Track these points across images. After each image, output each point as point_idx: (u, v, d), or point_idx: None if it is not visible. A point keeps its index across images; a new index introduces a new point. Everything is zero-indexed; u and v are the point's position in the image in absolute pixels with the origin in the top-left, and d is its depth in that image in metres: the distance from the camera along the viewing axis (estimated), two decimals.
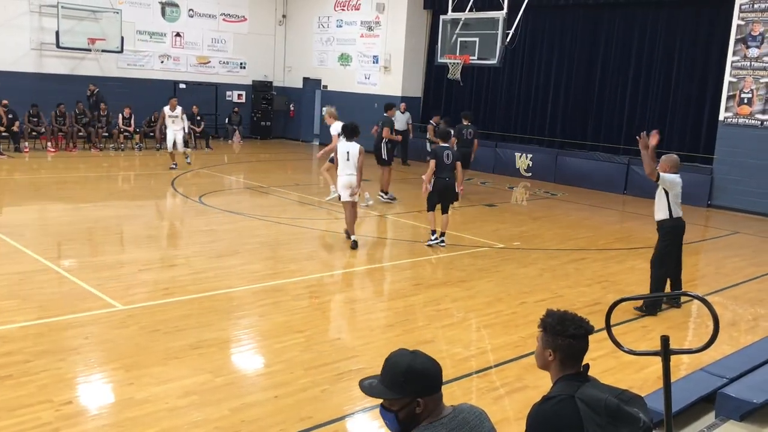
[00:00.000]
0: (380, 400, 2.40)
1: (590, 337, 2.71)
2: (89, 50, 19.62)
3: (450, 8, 16.07)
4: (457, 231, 10.73)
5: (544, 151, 18.14)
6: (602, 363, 5.65)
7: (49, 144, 18.05)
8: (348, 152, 9.54)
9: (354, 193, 9.60)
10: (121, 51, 20.25)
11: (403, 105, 19.59)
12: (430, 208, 9.87)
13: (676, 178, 7.35)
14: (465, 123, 14.68)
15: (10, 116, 17.33)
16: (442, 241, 9.84)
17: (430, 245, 9.79)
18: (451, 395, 4.87)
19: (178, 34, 22.05)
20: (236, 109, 23.02)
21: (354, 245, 9.58)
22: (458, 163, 9.79)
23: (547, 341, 2.68)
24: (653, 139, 7.09)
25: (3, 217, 10.57)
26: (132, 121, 19.01)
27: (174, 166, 15.84)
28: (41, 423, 4.42)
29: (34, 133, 17.93)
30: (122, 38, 20.11)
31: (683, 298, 7.75)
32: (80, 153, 18.04)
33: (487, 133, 19.06)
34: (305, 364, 5.57)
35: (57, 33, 18.93)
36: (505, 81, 19.52)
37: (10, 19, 18.75)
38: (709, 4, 15.58)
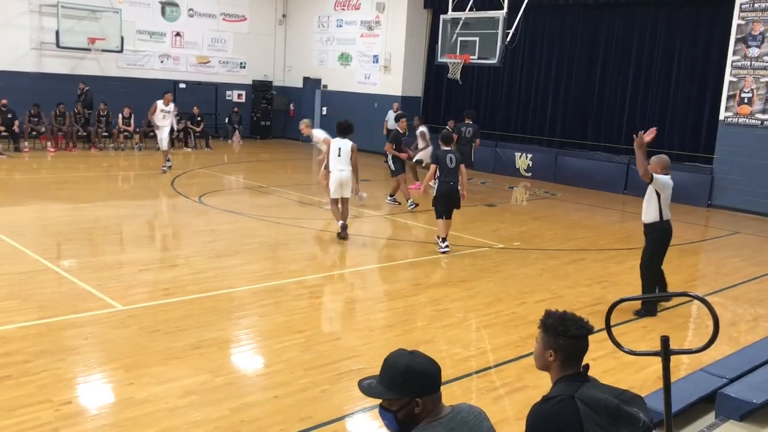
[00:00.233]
0: (379, 400, 2.41)
1: (590, 338, 2.71)
2: (89, 50, 19.62)
3: (450, 8, 16.07)
4: (456, 231, 10.72)
5: (544, 151, 18.14)
6: (602, 363, 5.65)
7: (49, 144, 18.05)
8: (340, 148, 9.82)
9: (354, 190, 10.05)
10: (121, 51, 20.25)
11: (395, 104, 19.65)
12: (439, 215, 9.49)
13: (667, 179, 7.27)
14: (466, 121, 14.73)
15: (9, 116, 17.33)
16: (446, 246, 9.52)
17: (443, 252, 9.44)
18: (451, 395, 4.87)
19: (178, 34, 22.04)
20: (236, 109, 23.01)
21: (344, 230, 9.93)
22: (462, 166, 9.55)
23: (548, 342, 2.67)
24: (649, 135, 6.98)
25: (3, 217, 10.57)
26: (132, 121, 19.00)
27: (166, 168, 15.28)
28: (41, 423, 4.42)
29: (34, 133, 17.93)
30: (122, 38, 20.11)
31: (682, 299, 7.75)
32: (80, 153, 18.04)
33: (487, 132, 19.05)
34: (305, 364, 5.57)
35: (57, 33, 18.94)
36: (505, 81, 19.52)
37: (10, 18, 18.75)
38: (709, 4, 15.58)
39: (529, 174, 18.07)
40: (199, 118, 20.58)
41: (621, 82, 17.21)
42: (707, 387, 4.83)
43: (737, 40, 14.46)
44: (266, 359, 5.83)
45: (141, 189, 14.00)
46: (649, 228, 7.45)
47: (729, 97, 14.67)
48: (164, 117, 15.27)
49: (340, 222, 9.99)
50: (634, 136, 7.09)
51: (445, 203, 9.42)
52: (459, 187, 9.52)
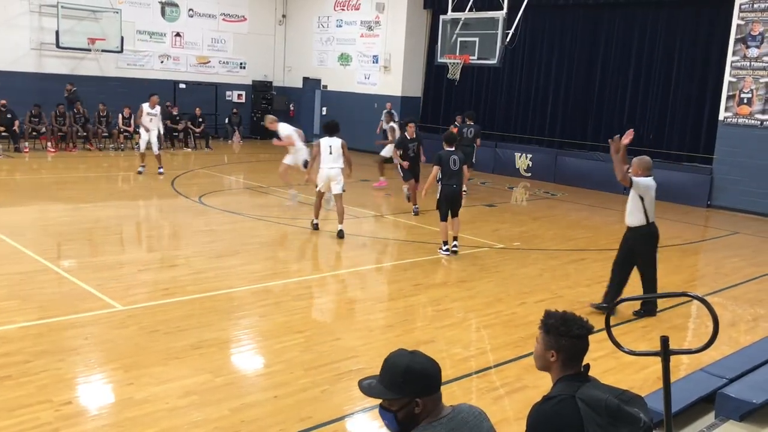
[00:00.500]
0: (380, 400, 2.41)
1: (590, 338, 2.71)
2: (89, 50, 19.62)
3: (450, 8, 16.07)
4: None
5: (544, 151, 18.15)
6: (602, 363, 5.65)
7: (49, 144, 18.05)
8: (330, 146, 10.09)
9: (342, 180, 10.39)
10: (121, 51, 20.25)
11: (388, 104, 19.71)
12: (443, 217, 9.34)
13: (650, 181, 7.04)
14: (467, 122, 14.75)
15: (9, 116, 17.33)
16: (455, 246, 9.38)
17: (441, 254, 9.36)
18: (451, 395, 4.87)
19: (177, 34, 22.05)
20: (235, 110, 23.03)
21: (316, 227, 10.41)
22: (465, 167, 9.42)
23: (550, 342, 2.67)
24: (626, 138, 6.88)
25: (3, 217, 10.56)
26: (132, 122, 18.99)
27: (142, 169, 14.92)
28: (41, 423, 4.42)
29: (34, 133, 17.94)
30: (122, 38, 20.12)
31: (682, 299, 7.74)
32: (80, 153, 18.04)
33: (487, 133, 19.04)
34: (305, 364, 5.58)
35: (57, 33, 18.94)
36: (505, 81, 19.52)
37: (10, 18, 18.76)
38: (709, 4, 15.58)
39: (529, 174, 18.07)
40: (200, 119, 20.58)
41: (621, 82, 17.21)
42: (707, 387, 4.83)
43: (737, 41, 14.46)
44: (266, 359, 5.83)
45: (141, 189, 14.00)
46: (633, 231, 7.17)
47: (728, 98, 14.68)
48: (151, 120, 14.89)
49: (315, 221, 10.47)
50: (610, 140, 6.99)
51: (449, 206, 9.29)
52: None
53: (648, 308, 7.32)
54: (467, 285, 8.19)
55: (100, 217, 10.81)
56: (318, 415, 4.73)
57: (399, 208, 12.86)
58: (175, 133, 20.31)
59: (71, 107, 18.64)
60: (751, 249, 11.23)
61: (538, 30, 18.54)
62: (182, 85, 21.85)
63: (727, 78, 14.70)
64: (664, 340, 2.91)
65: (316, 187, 10.36)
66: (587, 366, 2.68)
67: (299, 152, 12.42)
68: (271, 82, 24.23)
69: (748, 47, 14.31)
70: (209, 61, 22.92)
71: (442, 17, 16.53)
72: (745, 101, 14.44)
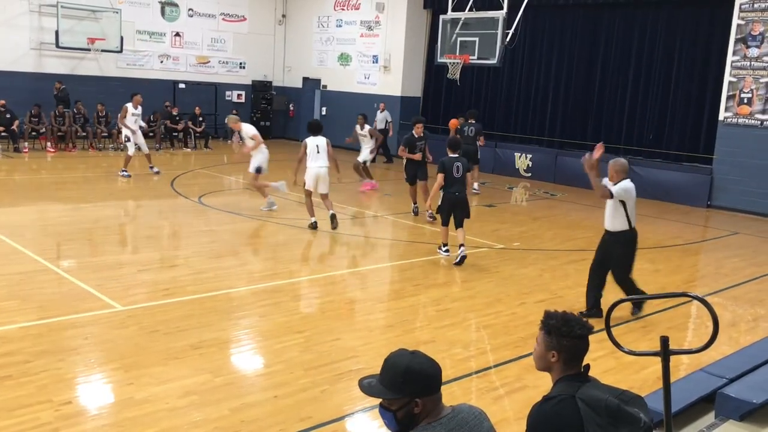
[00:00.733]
0: (380, 400, 2.41)
1: (590, 338, 2.71)
2: (89, 50, 19.60)
3: (450, 8, 16.07)
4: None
5: (544, 151, 18.14)
6: (602, 363, 5.66)
7: (48, 144, 18.05)
8: (317, 146, 10.32)
9: (337, 179, 10.90)
10: (121, 51, 20.24)
11: (382, 105, 19.74)
12: (444, 222, 9.10)
13: (628, 184, 6.92)
14: (469, 121, 14.75)
15: (8, 116, 17.33)
16: (464, 256, 8.91)
17: (440, 254, 9.26)
18: (451, 395, 4.87)
19: (177, 34, 22.04)
20: (235, 111, 22.97)
21: (315, 226, 10.45)
22: (469, 174, 9.21)
23: (551, 343, 2.67)
24: (597, 152, 6.68)
25: (3, 217, 10.56)
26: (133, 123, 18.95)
27: (127, 174, 14.44)
28: (41, 423, 4.42)
29: (34, 133, 17.94)
30: (122, 38, 20.11)
31: (682, 299, 7.74)
32: (80, 153, 18.04)
33: (487, 133, 18.98)
34: (305, 364, 5.58)
35: (56, 33, 18.92)
36: (505, 81, 19.52)
37: (10, 18, 18.75)
38: (709, 4, 15.58)
39: (529, 174, 18.07)
40: (200, 119, 20.58)
41: (621, 82, 17.21)
42: (707, 387, 4.83)
43: (737, 41, 14.46)
44: (266, 359, 5.83)
45: (141, 189, 14.00)
46: (615, 236, 7.04)
47: (728, 98, 14.68)
48: (135, 120, 14.59)
49: (313, 220, 10.52)
50: (582, 159, 6.79)
51: (450, 212, 9.01)
52: (467, 195, 9.13)
53: (638, 304, 7.27)
54: (467, 285, 8.19)
55: (100, 217, 10.81)
56: (318, 415, 4.73)
57: (399, 208, 12.85)
58: (174, 133, 20.31)
59: (63, 107, 18.40)
60: (751, 249, 11.23)
61: (538, 30, 18.54)
62: (182, 85, 21.84)
63: (727, 78, 14.69)
64: (664, 340, 2.91)
65: (304, 185, 10.50)
66: (587, 366, 2.68)
67: (261, 154, 11.96)
68: (270, 82, 24.23)
69: (748, 47, 14.31)
70: (209, 61, 22.91)
71: (442, 17, 16.53)
72: (745, 101, 14.43)
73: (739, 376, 4.98)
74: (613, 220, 7.04)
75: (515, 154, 18.42)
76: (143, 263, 8.35)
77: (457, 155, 9.06)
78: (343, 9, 22.44)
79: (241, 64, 23.63)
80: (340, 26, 22.61)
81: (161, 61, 21.76)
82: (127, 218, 10.98)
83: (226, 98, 23.16)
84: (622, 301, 3.28)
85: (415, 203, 12.21)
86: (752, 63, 14.29)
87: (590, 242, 10.98)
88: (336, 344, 6.10)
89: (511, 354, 6.07)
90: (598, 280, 7.15)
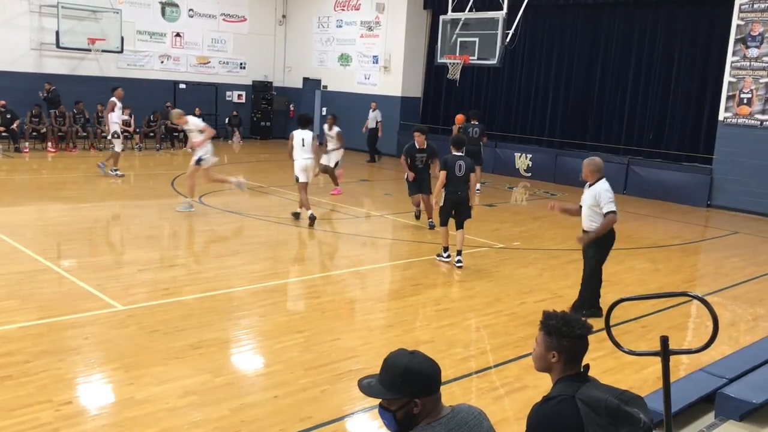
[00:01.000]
0: (379, 400, 2.41)
1: (590, 338, 2.71)
2: (89, 50, 19.62)
3: (450, 8, 16.08)
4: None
5: (544, 151, 18.15)
6: (602, 363, 5.66)
7: (49, 144, 18.05)
8: (303, 139, 10.75)
9: (316, 174, 11.03)
10: (121, 51, 20.26)
11: (374, 104, 19.78)
12: (443, 222, 8.89)
13: (606, 185, 6.77)
14: (472, 122, 14.75)
15: (9, 116, 17.33)
16: (459, 261, 8.82)
17: (440, 260, 8.98)
18: (451, 395, 4.88)
19: (178, 34, 22.05)
20: (235, 112, 23.04)
21: (312, 218, 10.59)
22: (472, 175, 8.87)
23: (551, 343, 2.66)
24: (557, 207, 7.09)
25: (3, 217, 10.56)
26: (132, 122, 18.99)
27: (120, 172, 14.44)
28: (41, 423, 4.42)
29: (35, 134, 17.94)
30: (122, 38, 20.13)
31: (682, 299, 7.74)
32: (80, 153, 18.05)
33: (488, 133, 19.01)
34: (305, 364, 5.58)
35: (57, 33, 18.94)
36: (505, 81, 19.53)
37: (10, 18, 18.76)
38: (709, 4, 15.59)
39: (529, 174, 18.07)
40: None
41: (621, 82, 17.22)
42: (707, 387, 4.84)
43: (736, 41, 14.47)
44: (266, 359, 5.83)
45: (141, 189, 14.00)
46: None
47: (728, 98, 14.68)
48: (119, 115, 14.40)
49: (310, 212, 10.71)
50: (549, 209, 7.28)
51: (450, 212, 8.82)
52: (468, 195, 8.84)
53: (594, 311, 6.92)
54: (467, 285, 8.19)
55: (100, 216, 10.81)
56: (318, 415, 4.73)
57: (399, 208, 12.85)
58: (175, 133, 20.31)
59: (52, 108, 18.32)
60: (751, 249, 11.24)
61: (538, 30, 18.54)
62: (182, 86, 21.85)
63: (727, 78, 14.70)
64: (664, 340, 2.91)
65: (297, 180, 10.79)
66: (587, 366, 2.68)
67: (207, 147, 11.64)
68: (271, 83, 24.24)
69: (748, 47, 14.32)
70: (209, 62, 22.92)
71: (442, 17, 16.54)
72: (745, 101, 14.44)
73: (739, 376, 4.98)
74: (591, 221, 6.91)
75: (515, 154, 18.42)
76: (143, 263, 8.35)
77: (460, 154, 8.87)
78: (343, 9, 22.44)
79: (241, 64, 23.64)
80: (340, 27, 22.62)
81: (162, 62, 21.77)
82: (128, 218, 10.98)
83: (227, 98, 23.18)
84: (621, 300, 3.27)
85: (418, 206, 11.47)
86: (752, 63, 14.29)
87: None
88: (336, 344, 6.10)
89: (511, 354, 6.07)
90: (596, 281, 7.15)
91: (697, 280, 9.34)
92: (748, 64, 14.35)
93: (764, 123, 14.22)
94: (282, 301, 7.37)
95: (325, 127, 14.07)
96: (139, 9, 20.94)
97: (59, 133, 18.20)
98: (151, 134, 19.74)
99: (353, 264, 9.12)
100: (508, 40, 14.86)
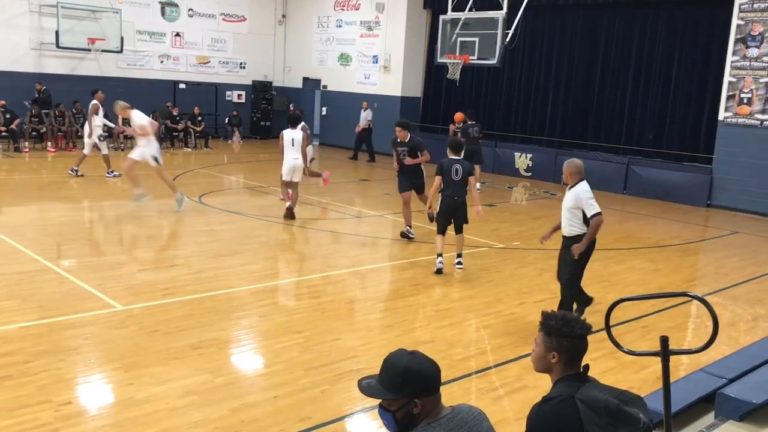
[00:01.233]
0: (379, 401, 2.41)
1: (590, 338, 2.71)
2: (89, 50, 19.62)
3: (450, 8, 16.08)
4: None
5: (544, 151, 18.15)
6: (602, 363, 5.66)
7: (49, 144, 18.05)
8: (293, 138, 10.97)
9: (305, 173, 11.32)
10: (121, 51, 20.26)
11: (365, 103, 19.81)
12: (440, 230, 8.58)
13: (586, 186, 6.56)
14: (470, 122, 14.75)
15: (8, 116, 17.32)
16: (459, 263, 8.67)
17: (438, 270, 8.48)
18: (451, 395, 4.88)
19: (177, 34, 22.05)
20: (235, 112, 23.03)
21: (291, 213, 10.96)
22: (471, 179, 8.53)
23: (551, 344, 2.66)
24: (547, 236, 7.02)
25: (3, 217, 10.57)
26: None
27: (115, 173, 14.20)
28: (41, 423, 4.42)
29: (34, 133, 17.93)
30: (122, 38, 20.12)
31: (682, 299, 7.74)
32: (80, 153, 17.99)
33: (487, 132, 19.02)
34: (305, 364, 5.58)
35: (57, 33, 18.94)
36: (505, 81, 19.53)
37: (10, 18, 18.76)
38: (709, 4, 15.59)
39: (529, 174, 18.07)
40: (200, 118, 20.59)
41: (621, 82, 17.22)
42: (707, 387, 4.84)
43: (736, 41, 14.46)
44: (266, 359, 5.83)
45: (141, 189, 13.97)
46: (571, 240, 6.66)
47: (728, 98, 14.68)
48: (101, 119, 14.10)
49: (288, 204, 11.11)
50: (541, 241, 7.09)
51: (448, 219, 8.55)
52: (466, 200, 8.54)
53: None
54: (467, 285, 8.19)
55: (100, 216, 10.81)
56: (318, 415, 4.73)
57: (399, 207, 12.84)
58: (175, 133, 20.32)
59: (44, 108, 18.15)
60: (751, 248, 11.24)
61: (538, 30, 18.54)
62: (182, 85, 21.85)
63: (727, 78, 14.70)
64: (664, 340, 2.91)
65: (282, 176, 11.20)
66: (587, 366, 2.68)
67: (150, 146, 11.32)
68: (271, 83, 24.23)
69: (748, 47, 14.31)
70: (209, 61, 22.92)
71: (442, 17, 16.54)
72: (745, 101, 14.44)
73: (739, 376, 4.99)
74: (572, 227, 6.72)
75: (515, 153, 18.42)
76: (143, 263, 8.35)
77: (457, 157, 8.53)
78: (343, 9, 22.44)
79: (241, 64, 23.64)
80: (340, 26, 22.61)
81: (161, 62, 21.76)
82: (127, 218, 10.97)
83: (227, 98, 23.18)
84: (621, 300, 3.27)
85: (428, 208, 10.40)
86: (752, 63, 14.29)
87: None
88: (336, 344, 6.10)
89: (511, 354, 6.07)
90: (577, 285, 6.91)
91: (697, 280, 9.34)
92: (748, 64, 14.34)
93: (764, 123, 14.22)
94: (282, 301, 7.37)
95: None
96: (138, 9, 20.93)
97: (59, 133, 18.18)
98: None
99: (353, 264, 9.12)
100: (508, 39, 14.86)
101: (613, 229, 12.55)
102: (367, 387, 2.40)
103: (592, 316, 6.49)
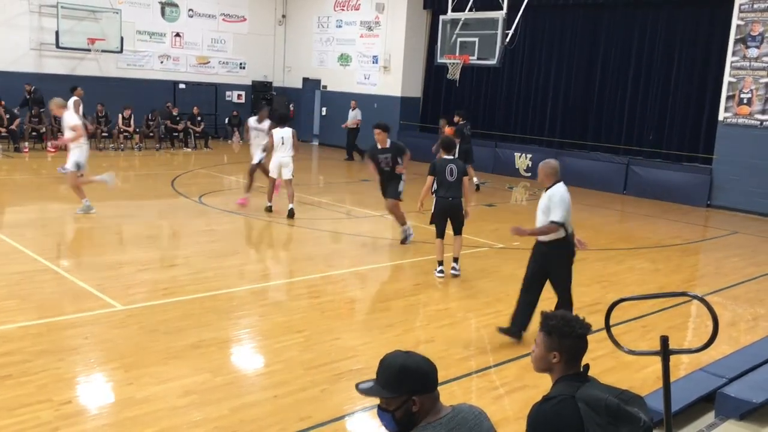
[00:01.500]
0: (379, 400, 2.41)
1: (590, 338, 2.71)
2: (89, 50, 19.62)
3: (450, 8, 16.08)
4: None
5: (544, 151, 18.10)
6: (602, 363, 5.65)
7: (49, 144, 18.03)
8: (282, 137, 11.05)
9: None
10: (121, 51, 20.26)
11: (353, 102, 19.84)
12: (439, 234, 8.27)
13: (564, 191, 6.03)
14: (461, 121, 14.73)
15: (8, 116, 17.32)
16: (454, 269, 8.37)
17: (438, 276, 8.29)
18: (451, 395, 4.88)
19: (177, 34, 22.05)
20: (235, 112, 23.03)
21: (270, 210, 11.25)
22: (465, 179, 8.25)
23: (552, 344, 2.66)
24: (518, 233, 6.09)
25: (3, 217, 10.56)
26: (132, 122, 18.99)
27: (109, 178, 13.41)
28: (41, 423, 4.42)
29: (34, 134, 17.93)
30: (122, 38, 20.13)
31: (682, 299, 7.74)
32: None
33: (487, 133, 19.07)
34: (305, 363, 5.58)
35: (57, 33, 18.95)
36: (505, 81, 19.53)
37: (10, 18, 18.76)
38: (709, 4, 15.59)
39: (529, 174, 18.06)
40: (199, 118, 20.59)
41: (621, 82, 17.22)
42: (707, 387, 4.84)
43: (736, 41, 14.47)
44: (266, 359, 5.83)
45: (141, 189, 14.00)
46: (549, 246, 6.12)
47: (728, 98, 14.68)
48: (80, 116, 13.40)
49: (269, 204, 11.48)
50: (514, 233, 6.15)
51: (445, 220, 8.27)
52: (462, 201, 8.22)
53: (516, 329, 6.32)
54: (467, 285, 8.19)
55: (100, 216, 10.80)
56: (317, 415, 4.73)
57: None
58: (175, 134, 20.32)
59: (34, 108, 17.98)
60: (751, 248, 11.24)
61: (538, 30, 18.54)
62: (182, 86, 21.85)
63: (726, 78, 14.70)
64: (664, 340, 2.91)
65: (268, 173, 11.42)
66: (587, 366, 2.68)
67: (80, 148, 10.68)
68: (270, 83, 24.24)
69: (747, 47, 14.32)
70: (209, 62, 22.92)
71: (441, 17, 16.54)
72: (745, 101, 14.44)
73: (739, 375, 4.99)
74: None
75: (515, 154, 18.42)
76: (143, 263, 8.34)
77: (451, 157, 8.26)
78: (343, 9, 22.44)
79: (241, 64, 23.64)
80: (340, 27, 22.62)
81: (161, 62, 21.77)
82: (127, 218, 10.97)
83: (227, 98, 23.18)
84: (621, 300, 3.28)
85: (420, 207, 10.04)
86: (752, 63, 14.29)
87: (590, 242, 10.94)
88: (336, 344, 6.10)
89: (511, 354, 6.07)
90: (531, 296, 6.31)
91: (697, 280, 9.34)
92: (748, 64, 14.35)
93: (764, 123, 14.22)
94: (282, 300, 7.37)
95: (253, 120, 12.33)
96: (138, 9, 20.94)
97: (59, 133, 18.16)
98: (151, 134, 19.73)
99: (353, 264, 9.12)
100: (507, 40, 14.87)
101: (613, 229, 12.57)
102: (365, 388, 2.41)
103: (592, 316, 6.47)
